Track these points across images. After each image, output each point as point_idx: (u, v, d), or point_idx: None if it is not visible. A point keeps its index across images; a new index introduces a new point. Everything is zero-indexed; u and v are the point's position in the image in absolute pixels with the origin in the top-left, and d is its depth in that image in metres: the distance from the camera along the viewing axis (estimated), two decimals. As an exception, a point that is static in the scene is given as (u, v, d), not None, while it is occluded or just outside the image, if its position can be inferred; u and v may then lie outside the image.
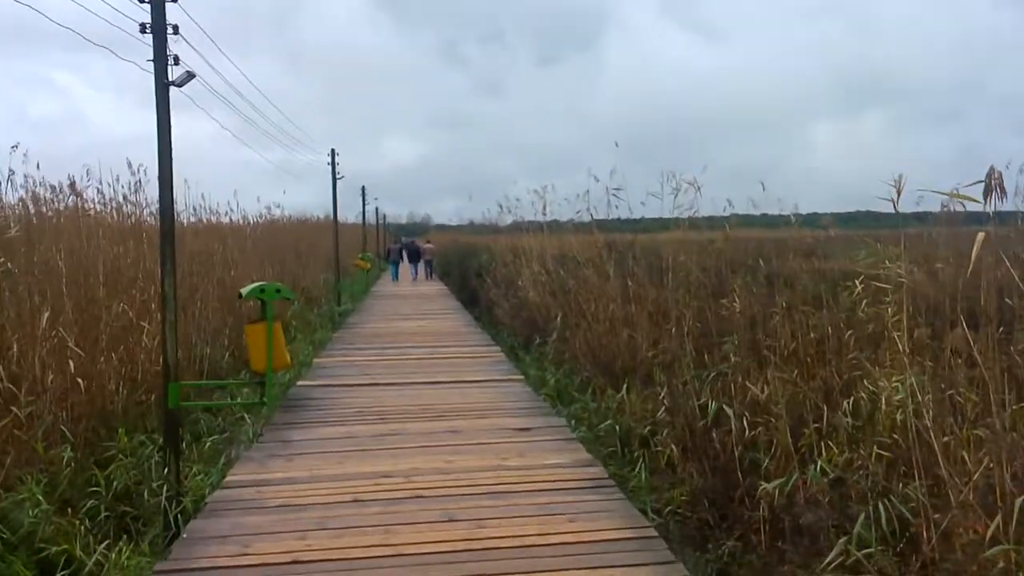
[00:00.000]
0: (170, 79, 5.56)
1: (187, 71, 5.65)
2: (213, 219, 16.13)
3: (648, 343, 9.45)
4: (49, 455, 6.09)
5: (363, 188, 35.91)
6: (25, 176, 9.71)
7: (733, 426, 5.96)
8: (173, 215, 5.98)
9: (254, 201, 20.94)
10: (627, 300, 10.33)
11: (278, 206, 21.59)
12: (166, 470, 5.66)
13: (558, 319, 10.82)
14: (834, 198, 9.86)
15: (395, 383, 9.08)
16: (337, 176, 21.08)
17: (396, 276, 32.37)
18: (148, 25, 5.55)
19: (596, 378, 9.42)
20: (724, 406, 6.31)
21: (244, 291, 6.95)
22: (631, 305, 10.12)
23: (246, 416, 7.43)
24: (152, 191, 14.65)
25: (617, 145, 11.65)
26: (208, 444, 6.83)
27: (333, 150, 20.83)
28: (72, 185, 10.14)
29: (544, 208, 14.15)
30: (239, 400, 8.06)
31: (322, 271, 23.36)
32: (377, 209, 52.10)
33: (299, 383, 9.23)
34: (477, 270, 19.88)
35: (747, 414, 6.44)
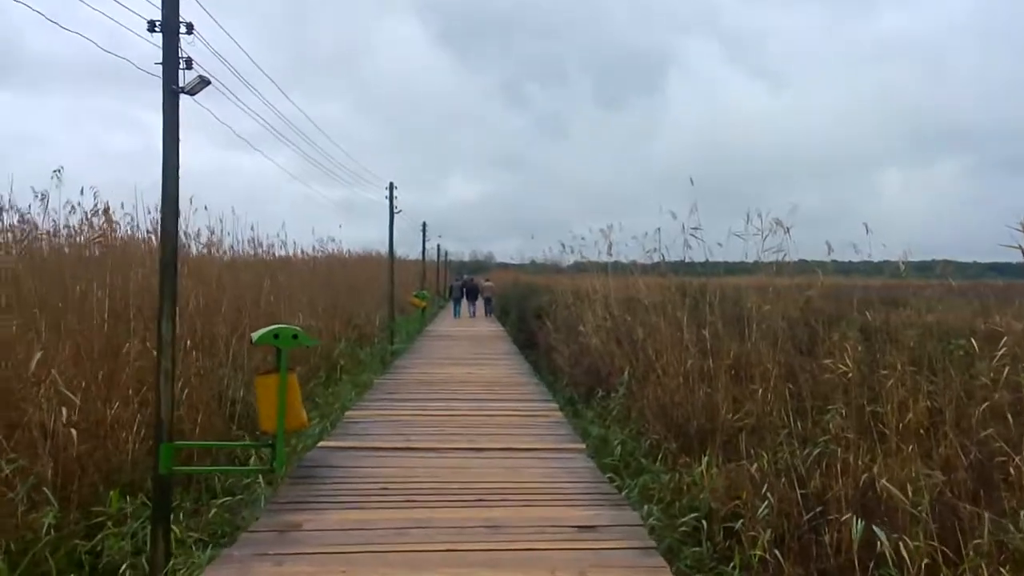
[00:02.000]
0: (180, 85, 4.75)
1: (200, 76, 4.86)
2: (258, 252, 15.62)
3: (728, 404, 8.21)
4: (28, 520, 5.24)
5: (424, 224, 35.43)
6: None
7: (854, 527, 4.68)
8: (176, 243, 5.14)
9: (308, 235, 20.47)
10: (703, 353, 9.12)
11: (332, 240, 21.09)
12: (150, 549, 4.71)
13: (626, 373, 9.60)
14: (904, 246, 8.50)
15: (433, 448, 7.71)
16: (395, 210, 20.45)
17: (458, 313, 32.88)
18: (157, 23, 4.77)
19: (667, 441, 8.20)
20: (838, 495, 5.07)
21: (256, 335, 5.98)
22: (708, 359, 8.89)
23: (260, 479, 6.40)
24: (200, 221, 14.30)
25: (692, 183, 10.52)
26: (214, 511, 5.88)
27: (391, 183, 20.27)
28: (106, 211, 9.61)
29: (609, 248, 13.10)
30: (248, 466, 7.01)
31: (378, 307, 22.66)
32: (439, 246, 51.71)
33: (322, 443, 7.99)
34: (536, 311, 18.84)
35: (862, 506, 5.20)
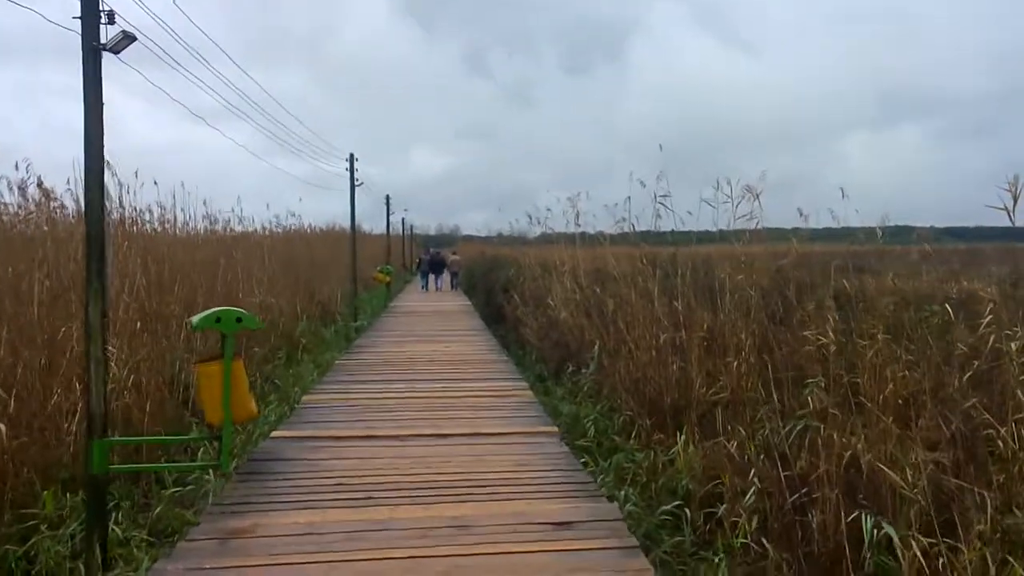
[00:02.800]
0: (101, 41, 4.23)
1: (124, 32, 4.34)
2: (215, 228, 15.01)
3: (702, 378, 7.95)
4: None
5: (387, 197, 34.81)
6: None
7: (841, 510, 4.43)
8: (102, 218, 4.63)
9: (264, 209, 19.81)
10: (676, 325, 8.84)
11: (293, 215, 20.44)
12: (85, 556, 4.28)
13: (596, 348, 9.29)
14: (870, 211, 8.35)
15: (395, 436, 7.13)
16: (357, 183, 19.83)
17: (425, 286, 33.76)
18: (72, -29, 4.23)
19: (640, 417, 7.93)
20: (821, 474, 4.81)
21: (195, 319, 5.47)
22: (680, 331, 8.62)
23: (211, 473, 5.92)
24: (148, 196, 13.66)
25: (661, 149, 10.22)
26: (161, 507, 5.44)
27: (352, 155, 19.62)
28: (40, 185, 9.01)
29: (577, 218, 12.74)
30: (197, 460, 6.50)
31: (342, 283, 22.11)
32: (403, 220, 51.02)
33: (277, 432, 7.39)
34: (504, 285, 18.46)
35: (847, 484, 4.96)
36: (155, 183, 13.14)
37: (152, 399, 7.81)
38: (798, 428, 5.64)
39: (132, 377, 7.76)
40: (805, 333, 6.72)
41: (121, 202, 12.36)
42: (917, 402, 6.39)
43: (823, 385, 6.14)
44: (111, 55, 4.34)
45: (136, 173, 11.48)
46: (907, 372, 6.65)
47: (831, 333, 6.23)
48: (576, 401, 8.91)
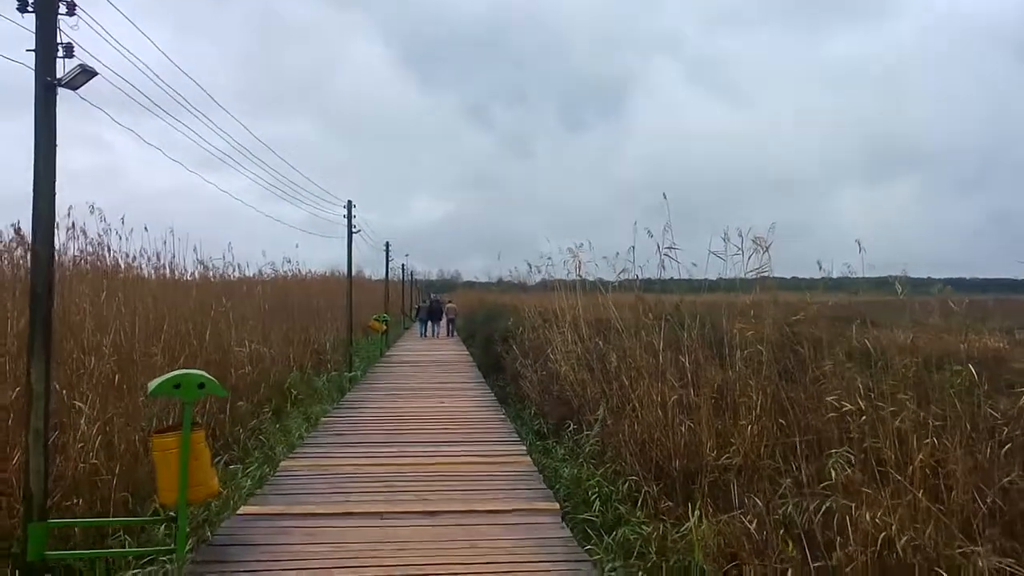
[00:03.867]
0: (57, 76, 3.85)
1: (81, 66, 3.96)
2: (207, 274, 14.62)
3: (712, 440, 7.42)
4: None
5: (387, 244, 34.48)
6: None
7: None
8: (51, 270, 4.18)
9: (268, 256, 19.46)
10: (683, 382, 8.34)
11: (289, 261, 20.06)
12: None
13: (602, 409, 8.76)
14: (863, 263, 8.04)
15: (378, 512, 6.30)
16: (355, 229, 19.50)
17: (423, 333, 33.79)
18: (30, 1, 3.86)
19: (646, 483, 7.39)
20: (851, 556, 4.29)
21: (152, 385, 4.94)
22: (689, 389, 8.12)
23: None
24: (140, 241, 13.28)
25: (665, 197, 9.76)
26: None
27: (350, 202, 19.33)
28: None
29: (579, 267, 12.34)
30: (143, 547, 5.54)
31: (340, 330, 21.60)
32: (403, 266, 50.70)
33: (244, 508, 6.53)
34: (502, 334, 17.96)
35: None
36: (145, 228, 12.83)
37: (123, 460, 7.28)
38: (824, 506, 5.10)
39: (102, 436, 7.25)
40: (829, 399, 6.18)
41: (108, 247, 12.05)
42: (947, 472, 5.91)
43: (850, 459, 5.61)
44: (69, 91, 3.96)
45: (123, 219, 11.17)
46: (934, 439, 6.17)
47: (858, 399, 5.71)
48: (578, 463, 8.36)
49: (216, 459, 9.00)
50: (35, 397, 4.13)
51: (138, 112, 9.40)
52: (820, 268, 8.10)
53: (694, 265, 9.39)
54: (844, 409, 5.86)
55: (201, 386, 4.77)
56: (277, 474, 7.80)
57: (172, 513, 4.79)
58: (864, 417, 6.34)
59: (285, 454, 9.08)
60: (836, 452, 5.70)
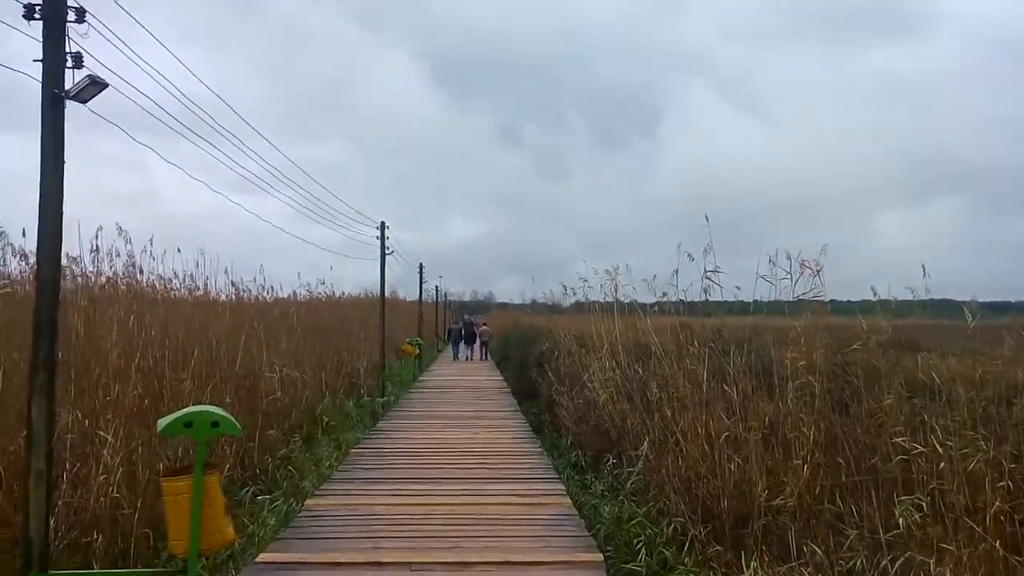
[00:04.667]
0: (66, 88, 3.61)
1: (91, 77, 3.72)
2: (239, 295, 14.51)
3: (764, 480, 6.93)
4: None
5: (420, 265, 34.36)
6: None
7: None
8: (56, 296, 3.93)
9: (302, 276, 19.35)
10: (729, 414, 7.87)
11: (323, 283, 19.93)
12: None
13: (644, 444, 8.29)
14: (903, 284, 7.58)
15: (407, 563, 5.82)
16: (388, 251, 19.34)
17: (456, 355, 33.59)
18: (37, 7, 3.64)
19: (692, 525, 6.92)
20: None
21: (162, 424, 4.64)
22: (738, 422, 7.63)
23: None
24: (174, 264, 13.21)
25: (708, 220, 9.26)
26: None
27: (383, 223, 19.17)
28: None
29: (615, 290, 11.93)
30: None
31: (373, 352, 21.38)
32: (437, 287, 50.60)
33: (263, 556, 6.07)
34: (537, 359, 17.55)
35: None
36: (178, 250, 12.75)
37: (146, 494, 7.02)
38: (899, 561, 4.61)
39: (124, 468, 7.02)
40: (897, 440, 5.68)
41: (140, 268, 11.96)
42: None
43: (923, 505, 5.11)
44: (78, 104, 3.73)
45: (151, 239, 11.07)
46: (1009, 483, 5.63)
47: (930, 440, 5.22)
48: (619, 500, 7.90)
49: (243, 490, 8.74)
50: (36, 436, 3.86)
51: (171, 136, 9.38)
52: (875, 293, 7.58)
53: (738, 288, 8.96)
54: (914, 451, 5.34)
55: (215, 425, 4.46)
56: (302, 514, 7.35)
57: (184, 563, 4.45)
58: (930, 457, 5.85)
59: (314, 486, 8.77)
60: (907, 499, 5.19)
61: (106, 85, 3.75)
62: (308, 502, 7.75)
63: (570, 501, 7.74)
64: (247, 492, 8.65)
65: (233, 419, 4.61)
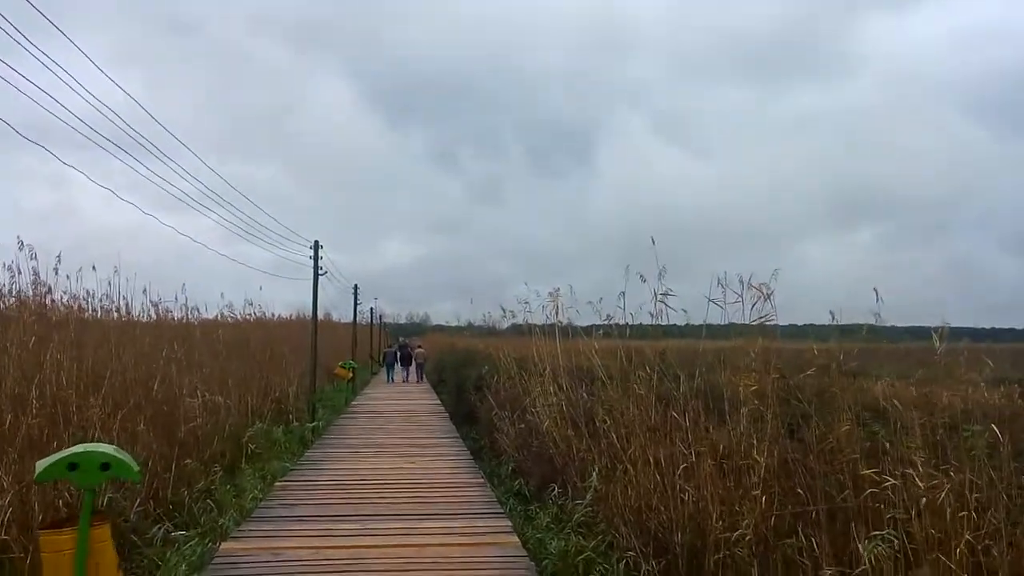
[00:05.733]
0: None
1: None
2: (158, 315, 13.64)
3: (717, 510, 6.59)
4: None
5: (355, 287, 33.55)
6: None
7: None
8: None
9: (230, 297, 18.44)
10: (681, 441, 7.53)
11: (251, 303, 19.04)
12: None
13: (594, 476, 7.86)
14: (827, 311, 7.60)
15: None
16: (321, 271, 18.59)
17: (391, 378, 33.37)
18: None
19: (645, 559, 6.52)
20: None
21: (41, 466, 3.89)
22: (690, 450, 7.30)
23: None
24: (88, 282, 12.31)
25: (654, 242, 8.92)
26: None
27: (316, 242, 18.44)
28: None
29: (557, 312, 11.59)
30: None
31: (304, 376, 20.48)
32: (372, 309, 49.61)
33: None
34: (476, 383, 17.04)
35: None
36: (93, 268, 11.90)
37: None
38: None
39: (15, 507, 6.21)
40: (867, 471, 5.41)
41: (49, 288, 11.06)
42: (993, 551, 5.17)
43: (893, 541, 4.82)
44: None
45: (59, 256, 10.26)
46: (974, 513, 5.42)
47: (892, 471, 4.95)
48: (564, 533, 7.45)
49: (156, 526, 7.95)
50: None
51: (98, 152, 8.90)
52: (833, 318, 7.37)
53: (684, 311, 8.70)
54: (883, 484, 5.06)
55: (105, 467, 3.78)
56: (216, 560, 6.41)
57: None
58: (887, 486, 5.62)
59: (235, 522, 8.04)
60: (878, 534, 4.89)
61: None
62: (225, 545, 6.84)
63: (518, 540, 7.05)
64: (160, 529, 7.87)
65: (129, 459, 3.94)
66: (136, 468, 4.03)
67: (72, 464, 3.77)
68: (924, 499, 5.29)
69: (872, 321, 7.46)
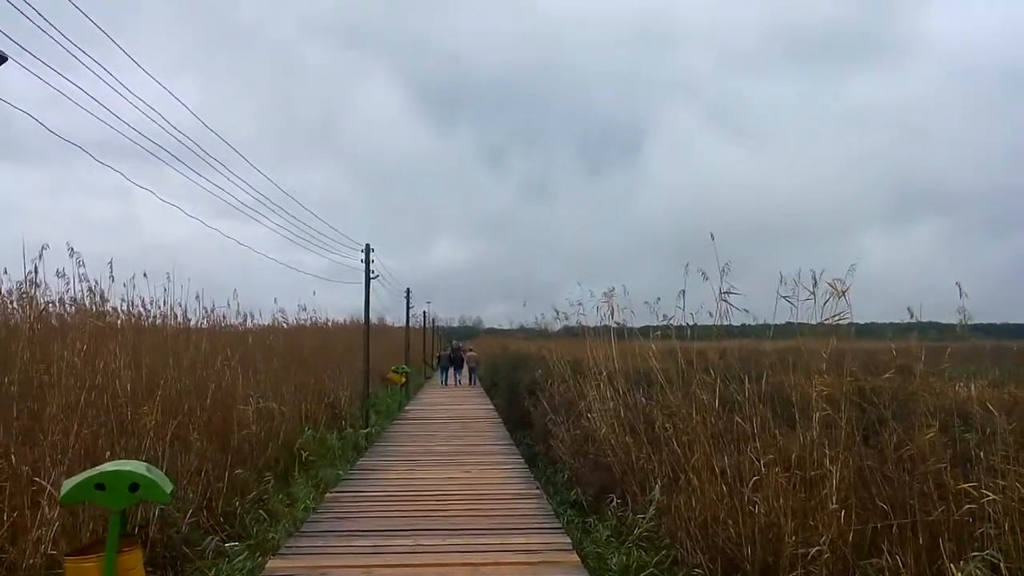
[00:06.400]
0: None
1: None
2: (212, 322, 13.66)
3: (791, 525, 6.12)
4: None
5: (408, 290, 33.52)
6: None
7: None
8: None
9: (286, 303, 18.48)
10: (749, 448, 7.06)
11: (304, 309, 19.06)
12: None
13: (657, 488, 7.46)
14: (888, 309, 7.01)
15: None
16: (372, 275, 18.52)
17: (444, 382, 33.59)
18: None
19: (713, 577, 6.11)
20: None
21: (68, 486, 3.73)
22: (759, 458, 6.82)
23: None
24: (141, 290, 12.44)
25: (713, 238, 8.44)
26: None
27: (367, 245, 18.36)
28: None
29: (611, 314, 11.18)
30: None
31: (358, 381, 20.44)
32: (425, 312, 49.72)
33: None
34: (529, 387, 16.72)
35: None
36: (144, 275, 11.97)
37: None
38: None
39: (60, 522, 6.12)
40: (966, 486, 4.91)
41: (102, 295, 11.14)
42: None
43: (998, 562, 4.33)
44: None
45: (110, 262, 10.28)
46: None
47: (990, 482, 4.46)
48: (625, 548, 7.06)
49: (208, 538, 7.84)
50: None
51: (158, 164, 9.01)
52: (911, 315, 6.80)
53: (746, 311, 8.22)
54: (980, 497, 4.57)
55: (134, 488, 3.57)
56: None
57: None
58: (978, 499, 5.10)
59: (287, 532, 7.87)
60: (977, 555, 4.40)
61: (5, 58, 3.02)
62: (271, 563, 6.48)
63: (577, 558, 6.58)
64: (211, 541, 7.75)
65: (161, 478, 3.72)
66: (168, 489, 3.80)
67: (99, 484, 3.57)
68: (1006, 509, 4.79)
69: (950, 319, 6.95)
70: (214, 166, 11.28)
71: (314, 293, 24.57)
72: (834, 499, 6.12)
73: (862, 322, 8.74)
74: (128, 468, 3.66)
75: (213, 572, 6.60)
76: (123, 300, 11.78)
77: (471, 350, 37.90)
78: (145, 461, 8.17)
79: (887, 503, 6.08)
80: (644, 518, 7.01)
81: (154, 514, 7.36)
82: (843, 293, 7.05)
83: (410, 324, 36.97)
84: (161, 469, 8.16)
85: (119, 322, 12.38)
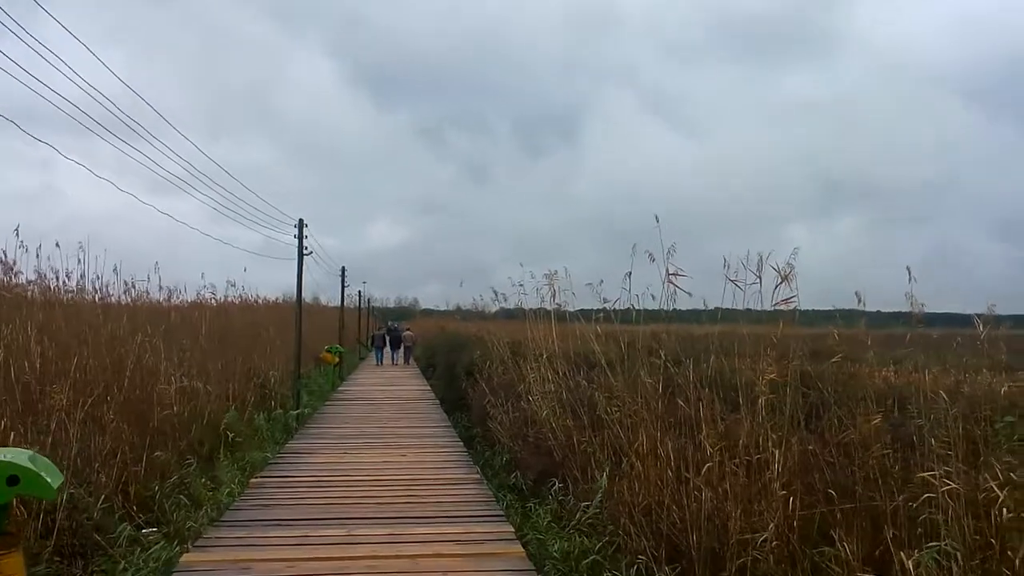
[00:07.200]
0: None
1: None
2: (132, 298, 12.94)
3: (737, 511, 6.00)
4: None
5: (343, 269, 32.75)
6: None
7: None
8: None
9: (213, 280, 17.67)
10: (694, 432, 6.93)
11: (233, 285, 18.32)
12: None
13: (604, 475, 7.25)
14: (810, 296, 7.07)
15: None
16: (306, 252, 17.86)
17: (380, 361, 33.46)
18: None
19: (657, 565, 5.95)
20: None
21: None
22: (703, 442, 6.69)
23: None
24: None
25: (658, 220, 8.21)
26: None
27: (301, 220, 17.67)
28: None
29: (553, 296, 11.01)
30: None
31: (290, 361, 19.78)
32: (360, 292, 48.85)
33: None
34: (467, 368, 16.44)
35: None
36: (56, 244, 11.23)
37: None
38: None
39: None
40: (924, 475, 4.83)
41: (10, 267, 10.40)
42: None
43: (955, 553, 4.24)
44: None
45: (16, 229, 9.53)
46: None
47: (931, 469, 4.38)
48: (567, 533, 6.86)
49: (122, 524, 7.31)
50: None
51: (82, 133, 8.36)
52: (859, 301, 6.75)
53: (689, 294, 8.08)
54: (944, 488, 4.48)
55: (13, 481, 3.08)
56: (177, 571, 5.59)
57: None
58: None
59: (208, 521, 7.40)
60: (933, 546, 4.31)
61: None
62: (186, 557, 5.83)
63: (522, 549, 6.18)
64: (126, 527, 7.21)
65: (48, 470, 3.20)
66: (55, 483, 3.31)
67: (-12, 471, 3.06)
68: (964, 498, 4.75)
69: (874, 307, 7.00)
70: (141, 135, 10.59)
71: (245, 270, 23.77)
72: (778, 484, 6.04)
73: (801, 308, 8.77)
74: (7, 458, 3.15)
75: (125, 562, 6.09)
76: (37, 272, 11.05)
77: (408, 329, 37.62)
78: (51, 442, 7.66)
79: (831, 488, 6.03)
80: (589, 505, 6.79)
81: (62, 500, 6.81)
82: (785, 278, 6.95)
83: (345, 304, 36.21)
84: (71, 451, 7.72)
85: (28, 294, 11.59)
